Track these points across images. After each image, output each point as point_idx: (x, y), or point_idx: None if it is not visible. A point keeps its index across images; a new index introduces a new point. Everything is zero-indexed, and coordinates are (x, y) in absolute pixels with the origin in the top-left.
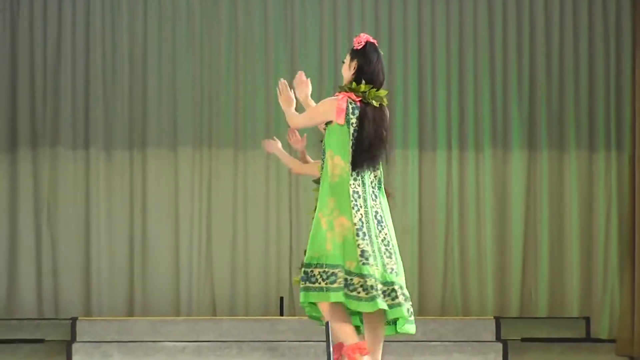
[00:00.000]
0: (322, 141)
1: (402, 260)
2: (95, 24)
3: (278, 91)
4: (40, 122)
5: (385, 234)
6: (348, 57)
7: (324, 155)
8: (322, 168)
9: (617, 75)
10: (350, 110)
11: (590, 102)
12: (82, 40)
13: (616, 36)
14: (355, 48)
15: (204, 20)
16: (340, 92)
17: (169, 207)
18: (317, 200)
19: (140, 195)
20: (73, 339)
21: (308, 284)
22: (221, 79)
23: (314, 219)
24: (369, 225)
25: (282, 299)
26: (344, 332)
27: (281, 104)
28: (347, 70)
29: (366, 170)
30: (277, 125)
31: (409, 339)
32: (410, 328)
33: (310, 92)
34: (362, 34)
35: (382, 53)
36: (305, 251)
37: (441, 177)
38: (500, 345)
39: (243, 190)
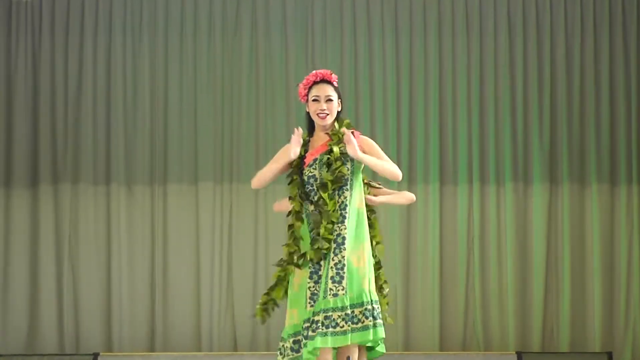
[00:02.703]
0: (343, 177)
1: (425, 293)
2: (116, 59)
3: (349, 140)
4: (61, 158)
5: None
6: (334, 94)
7: (347, 188)
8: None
9: (638, 109)
10: None
11: (611, 136)
12: (103, 75)
13: (637, 69)
14: (336, 85)
15: (225, 54)
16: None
17: (190, 242)
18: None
19: (161, 230)
20: None
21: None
22: (242, 113)
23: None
24: None
25: None
26: None
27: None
28: (336, 108)
29: None
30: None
31: None
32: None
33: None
34: (324, 70)
35: None
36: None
37: (462, 212)
38: None
39: (264, 224)
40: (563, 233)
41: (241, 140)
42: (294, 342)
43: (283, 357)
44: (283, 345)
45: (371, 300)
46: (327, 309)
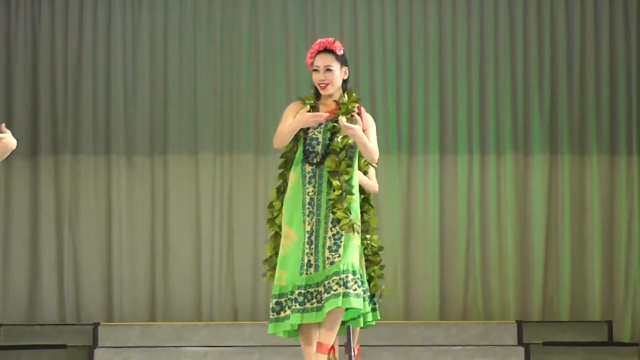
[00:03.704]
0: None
1: (424, 265)
2: (116, 31)
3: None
4: (61, 129)
5: None
6: (335, 64)
7: (354, 159)
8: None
9: (638, 79)
10: None
11: (611, 106)
12: (102, 47)
13: (637, 40)
14: (339, 54)
15: (225, 26)
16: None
17: (190, 213)
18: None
19: (162, 200)
20: (95, 344)
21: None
22: (242, 84)
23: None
24: None
25: None
26: None
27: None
28: (339, 78)
29: None
30: None
31: (429, 343)
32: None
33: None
34: (328, 39)
35: None
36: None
37: (462, 182)
38: (522, 350)
39: (264, 195)
40: (563, 203)
41: (241, 111)
42: (277, 303)
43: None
44: (270, 305)
45: (354, 271)
46: (326, 277)
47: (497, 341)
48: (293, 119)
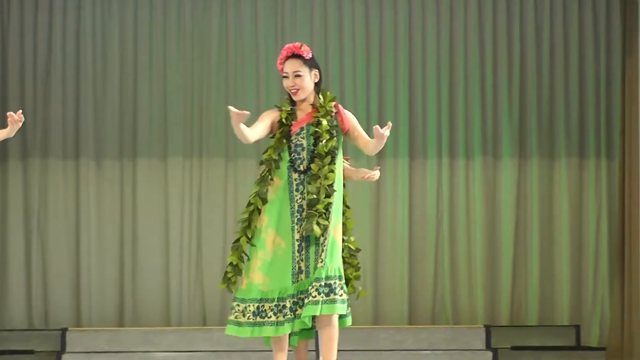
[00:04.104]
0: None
1: (392, 269)
2: (85, 34)
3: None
4: (30, 133)
5: None
6: (304, 68)
7: (337, 162)
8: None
9: (607, 83)
10: None
11: (580, 110)
12: (72, 50)
13: (606, 44)
14: (308, 58)
15: (195, 30)
16: (335, 104)
17: (160, 217)
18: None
19: (131, 205)
20: (63, 349)
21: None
22: (211, 88)
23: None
24: None
25: None
26: None
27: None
28: (309, 82)
29: None
30: None
31: (399, 347)
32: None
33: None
34: (295, 44)
35: None
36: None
37: (431, 186)
38: (490, 354)
39: (233, 199)
40: (532, 207)
41: (211, 115)
42: (257, 308)
43: (239, 317)
44: (246, 307)
45: (341, 276)
46: (311, 282)
47: (466, 346)
48: (263, 122)
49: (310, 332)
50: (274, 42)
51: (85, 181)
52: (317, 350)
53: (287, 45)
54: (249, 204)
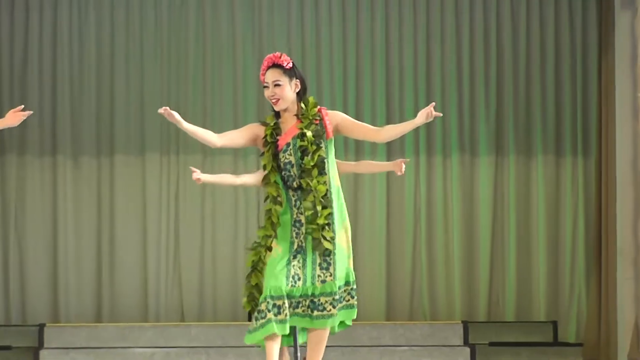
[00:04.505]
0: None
1: (370, 265)
2: (62, 31)
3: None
4: (7, 130)
5: None
6: (284, 78)
7: (326, 170)
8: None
9: (583, 82)
10: None
11: (557, 108)
12: (49, 47)
13: (582, 43)
14: (288, 67)
15: (172, 26)
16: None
17: (137, 213)
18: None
19: (108, 201)
20: (41, 345)
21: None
22: (188, 85)
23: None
24: None
25: None
26: None
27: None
28: (289, 91)
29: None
30: None
31: (376, 344)
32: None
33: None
34: (275, 53)
35: None
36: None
37: (409, 183)
38: (468, 350)
39: (211, 196)
40: (509, 204)
41: (188, 112)
42: (259, 311)
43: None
44: (275, 305)
45: (354, 280)
46: (314, 294)
47: (443, 341)
48: (241, 131)
49: (290, 339)
50: (251, 41)
51: (62, 178)
52: (295, 346)
53: (267, 56)
54: (269, 224)
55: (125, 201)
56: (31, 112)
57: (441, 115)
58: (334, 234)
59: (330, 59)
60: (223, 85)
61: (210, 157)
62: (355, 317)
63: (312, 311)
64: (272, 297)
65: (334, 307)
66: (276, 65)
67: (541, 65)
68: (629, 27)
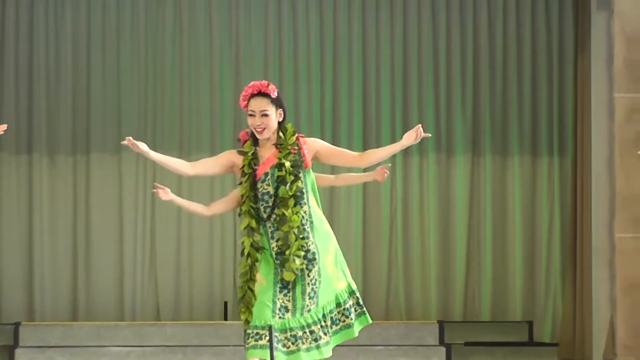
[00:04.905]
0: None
1: (347, 265)
2: (38, 30)
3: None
4: None
5: None
6: (271, 107)
7: (305, 201)
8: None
9: (559, 82)
10: None
11: (533, 108)
12: (25, 45)
13: (559, 43)
14: (274, 97)
15: (149, 26)
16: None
17: (113, 212)
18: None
19: (84, 200)
20: (16, 344)
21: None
22: (165, 83)
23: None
24: None
25: (226, 303)
26: None
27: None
28: (274, 121)
29: None
30: (221, 130)
31: (353, 343)
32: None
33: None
34: (262, 82)
35: None
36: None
37: (385, 182)
38: (443, 349)
39: (187, 195)
40: (485, 204)
41: (165, 110)
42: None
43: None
44: (258, 333)
45: (347, 298)
46: (307, 324)
47: (419, 341)
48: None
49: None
50: (228, 41)
51: (38, 176)
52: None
53: (252, 83)
54: (246, 255)
55: (101, 200)
56: (6, 126)
57: (430, 135)
58: (304, 265)
59: (308, 60)
60: (200, 86)
61: (187, 155)
62: (356, 334)
63: (315, 341)
64: (262, 328)
65: (325, 334)
66: (263, 94)
67: (518, 66)
68: (605, 28)
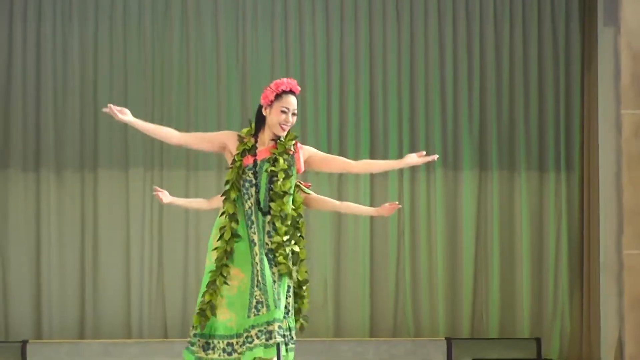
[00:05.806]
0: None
1: (355, 279)
2: (46, 45)
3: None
4: None
5: None
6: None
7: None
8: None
9: (566, 97)
10: None
11: (540, 124)
12: (32, 61)
13: (566, 59)
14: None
15: (155, 40)
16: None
17: (120, 229)
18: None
19: (92, 216)
20: None
21: None
22: (172, 99)
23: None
24: None
25: None
26: None
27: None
28: None
29: None
30: None
31: None
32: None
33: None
34: (294, 81)
35: None
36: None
37: (393, 198)
38: None
39: (195, 211)
40: (492, 220)
41: (172, 126)
42: (227, 344)
43: (199, 352)
44: (211, 343)
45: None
46: (279, 319)
47: (427, 358)
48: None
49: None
50: (235, 53)
51: (45, 192)
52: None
53: (289, 80)
54: (226, 241)
55: (109, 216)
56: None
57: (436, 158)
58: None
59: (314, 70)
60: (207, 98)
61: (194, 172)
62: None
63: (284, 337)
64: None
65: (267, 338)
66: (295, 94)
67: (524, 81)
68: (612, 43)
